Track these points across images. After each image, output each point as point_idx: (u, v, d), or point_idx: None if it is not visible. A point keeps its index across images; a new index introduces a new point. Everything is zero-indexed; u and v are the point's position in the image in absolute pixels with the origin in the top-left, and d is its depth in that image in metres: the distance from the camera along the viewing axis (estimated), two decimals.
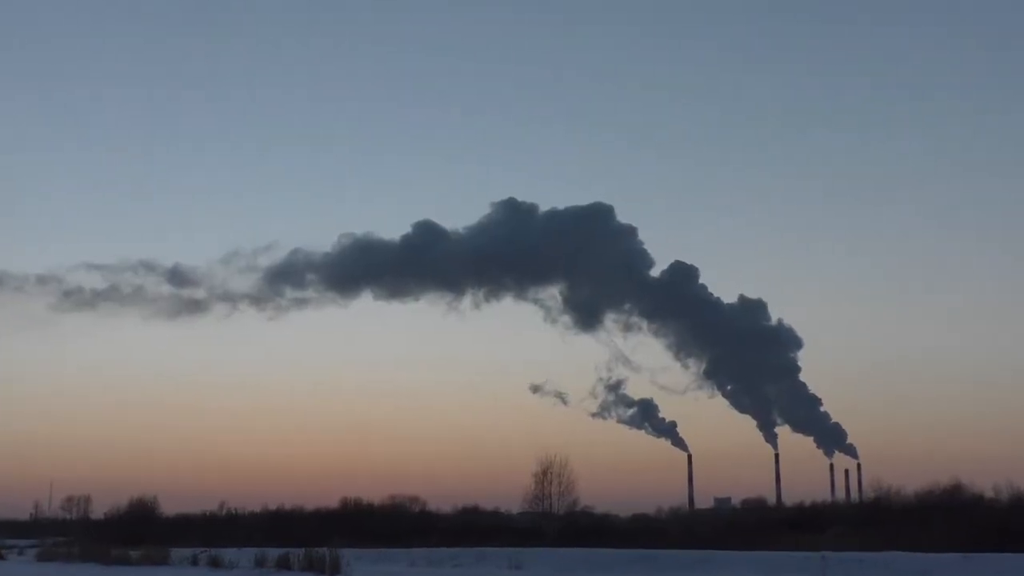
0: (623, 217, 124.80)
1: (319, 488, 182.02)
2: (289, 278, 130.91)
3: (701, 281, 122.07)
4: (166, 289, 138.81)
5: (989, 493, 70.76)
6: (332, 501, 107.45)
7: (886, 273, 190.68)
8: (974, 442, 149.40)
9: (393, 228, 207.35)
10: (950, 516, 58.08)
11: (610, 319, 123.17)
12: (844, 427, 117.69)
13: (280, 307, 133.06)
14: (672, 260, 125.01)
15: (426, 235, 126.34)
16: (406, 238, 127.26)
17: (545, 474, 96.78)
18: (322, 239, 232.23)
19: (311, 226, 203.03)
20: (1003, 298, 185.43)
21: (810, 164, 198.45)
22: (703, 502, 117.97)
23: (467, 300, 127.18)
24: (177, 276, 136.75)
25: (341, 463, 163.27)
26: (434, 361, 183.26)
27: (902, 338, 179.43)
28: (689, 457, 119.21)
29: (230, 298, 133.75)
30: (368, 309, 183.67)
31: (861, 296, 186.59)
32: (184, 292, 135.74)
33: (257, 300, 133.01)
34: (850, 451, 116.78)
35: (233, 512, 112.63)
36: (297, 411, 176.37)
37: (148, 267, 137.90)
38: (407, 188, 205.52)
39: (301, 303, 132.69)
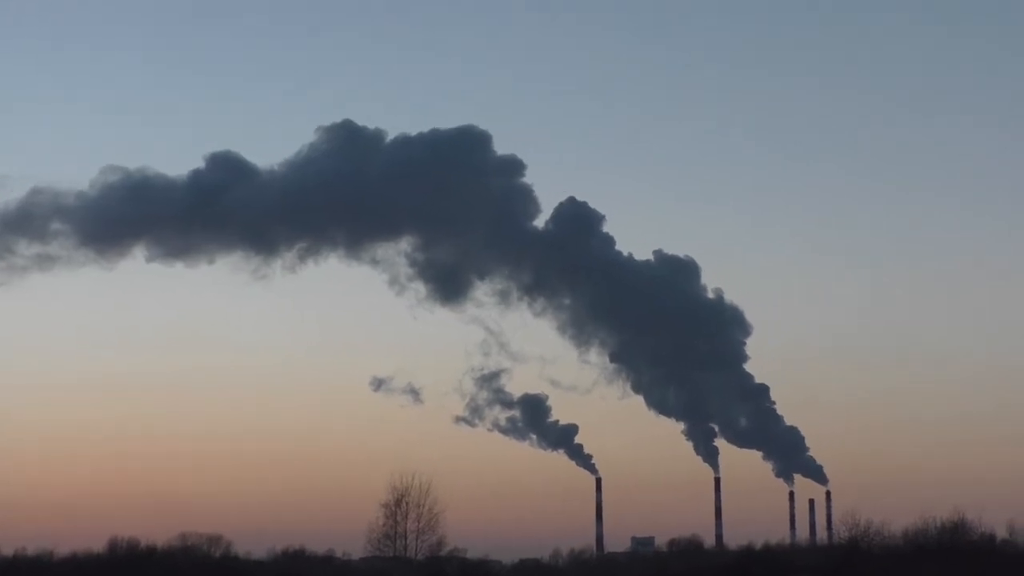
0: (503, 147, 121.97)
1: (77, 524, 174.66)
2: (26, 228, 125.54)
3: (605, 230, 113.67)
4: None
5: (1002, 532, 76.36)
6: (96, 542, 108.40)
7: (862, 229, 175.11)
8: (984, 463, 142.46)
9: (178, 161, 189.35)
10: (949, 562, 57.26)
11: (481, 288, 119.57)
12: (803, 437, 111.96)
13: (13, 268, 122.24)
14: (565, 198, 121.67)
15: (224, 171, 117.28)
16: (196, 175, 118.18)
17: (398, 504, 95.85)
18: (76, 174, 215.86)
19: (60, 155, 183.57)
20: None
21: (754, 78, 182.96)
22: (617, 543, 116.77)
23: (279, 261, 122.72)
24: None
25: (109, 489, 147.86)
26: (235, 345, 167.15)
27: (885, 314, 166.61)
28: (598, 481, 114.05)
29: None
30: (141, 273, 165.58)
31: (823, 258, 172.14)
32: None
33: None
34: (814, 472, 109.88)
35: None
36: (42, 415, 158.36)
37: None
38: (199, 107, 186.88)
39: (44, 263, 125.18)
